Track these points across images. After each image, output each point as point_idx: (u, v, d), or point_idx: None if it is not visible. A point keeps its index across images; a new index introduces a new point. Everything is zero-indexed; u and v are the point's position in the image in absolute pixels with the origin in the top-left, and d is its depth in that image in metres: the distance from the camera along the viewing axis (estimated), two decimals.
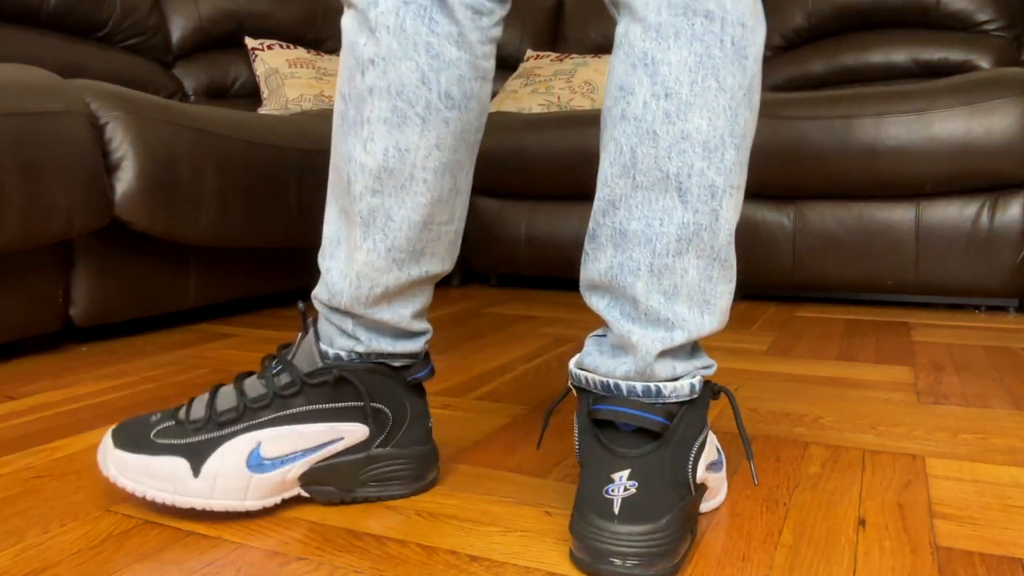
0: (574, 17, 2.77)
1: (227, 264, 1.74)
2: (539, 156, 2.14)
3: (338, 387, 0.71)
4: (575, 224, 2.15)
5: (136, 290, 1.53)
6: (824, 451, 0.87)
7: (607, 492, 0.59)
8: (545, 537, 0.66)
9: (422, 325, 0.74)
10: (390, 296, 0.70)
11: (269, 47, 2.55)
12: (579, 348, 1.43)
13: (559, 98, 2.47)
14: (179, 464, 0.67)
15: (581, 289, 0.67)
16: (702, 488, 0.65)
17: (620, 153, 0.62)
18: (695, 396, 0.63)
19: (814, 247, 1.91)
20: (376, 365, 0.72)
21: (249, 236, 1.68)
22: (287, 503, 0.72)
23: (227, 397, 0.71)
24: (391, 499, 0.74)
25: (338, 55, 2.73)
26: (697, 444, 0.63)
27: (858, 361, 1.32)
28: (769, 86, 2.49)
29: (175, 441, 0.68)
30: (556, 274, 2.21)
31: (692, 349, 0.65)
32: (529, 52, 2.75)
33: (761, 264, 1.96)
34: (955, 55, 2.26)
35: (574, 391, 0.67)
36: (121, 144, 1.40)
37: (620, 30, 0.63)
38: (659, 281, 0.61)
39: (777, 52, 2.53)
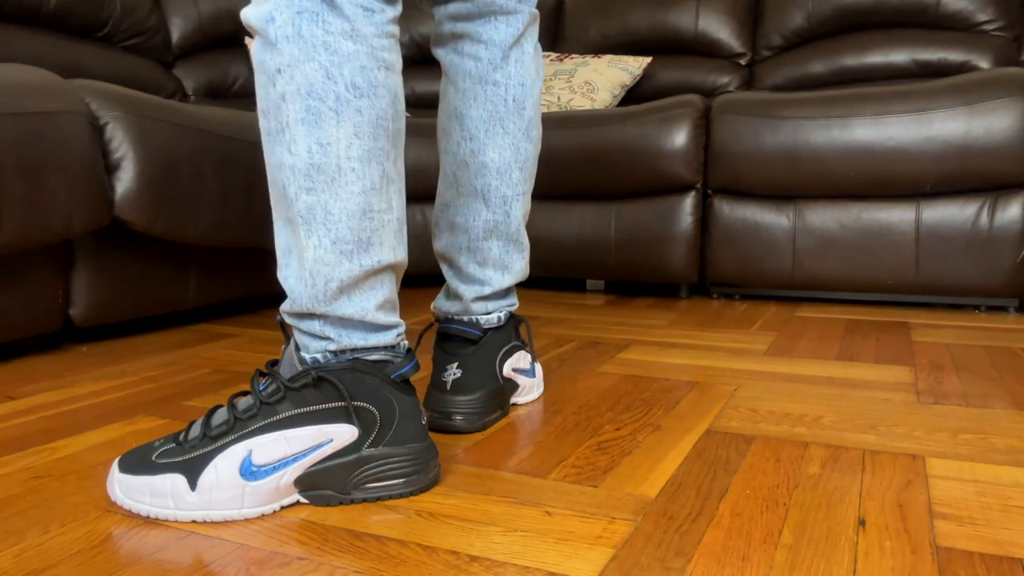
0: (574, 17, 2.77)
1: (227, 264, 1.74)
2: (539, 156, 2.14)
3: (320, 388, 0.72)
4: (575, 224, 2.15)
5: (136, 290, 1.53)
6: (824, 451, 0.87)
7: (444, 377, 0.95)
8: (545, 537, 0.66)
9: (391, 318, 0.76)
10: (347, 289, 0.72)
11: None
12: (578, 348, 1.43)
13: (559, 98, 2.47)
14: (177, 480, 0.69)
15: (435, 254, 1.02)
16: (511, 382, 1.01)
17: (446, 174, 0.97)
18: (501, 324, 0.99)
19: (814, 247, 1.91)
20: (354, 362, 0.73)
21: (249, 236, 1.68)
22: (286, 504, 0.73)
23: (221, 414, 0.73)
24: (391, 499, 0.74)
25: None
26: (503, 351, 0.99)
27: (858, 361, 1.32)
28: (769, 86, 2.49)
29: (173, 460, 0.70)
30: (556, 274, 2.21)
31: (504, 293, 1.00)
32: None
33: (761, 264, 1.96)
34: (955, 55, 2.26)
35: (435, 322, 1.03)
36: (121, 144, 1.40)
37: (442, 86, 0.97)
38: (474, 256, 0.97)
39: (777, 52, 2.53)
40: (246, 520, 0.69)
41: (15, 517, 0.70)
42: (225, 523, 0.69)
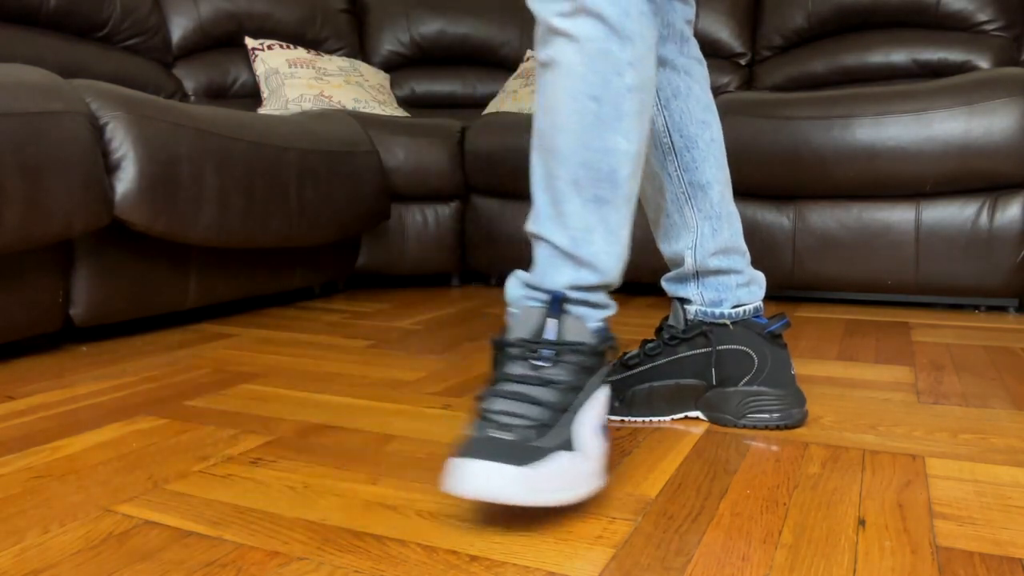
0: None
1: (227, 264, 1.74)
2: None
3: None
4: None
5: (136, 290, 1.53)
6: (824, 451, 0.87)
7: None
8: (545, 537, 0.66)
9: None
10: None
11: (269, 47, 2.55)
12: None
13: None
14: (566, 458, 0.68)
15: None
16: None
17: None
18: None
19: (814, 247, 1.91)
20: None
21: (249, 236, 1.68)
22: (287, 503, 0.73)
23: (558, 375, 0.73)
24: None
25: (338, 55, 2.73)
26: None
27: (858, 361, 1.32)
28: (769, 86, 2.49)
29: (546, 444, 0.67)
30: None
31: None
32: (529, 52, 2.75)
33: (761, 264, 1.96)
34: (955, 55, 2.26)
35: None
36: (121, 144, 1.40)
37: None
38: None
39: (777, 52, 2.53)
40: (246, 520, 0.69)
41: (15, 517, 0.70)
42: (225, 523, 0.69)
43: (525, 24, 2.83)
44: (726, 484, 0.77)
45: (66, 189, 1.30)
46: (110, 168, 1.41)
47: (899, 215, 1.84)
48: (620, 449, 0.87)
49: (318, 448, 0.88)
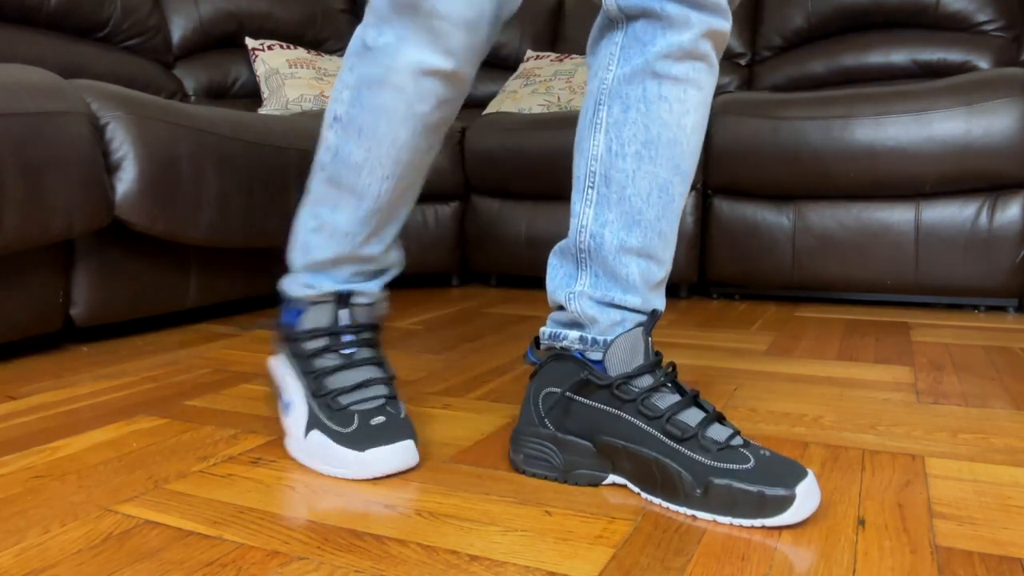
0: (574, 17, 2.77)
1: (227, 264, 1.74)
2: (539, 156, 2.14)
3: None
4: None
5: (136, 290, 1.53)
6: (824, 451, 0.87)
7: None
8: (545, 537, 0.66)
9: None
10: None
11: (269, 47, 2.55)
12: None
13: (559, 98, 2.47)
14: None
15: None
16: None
17: None
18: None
19: (813, 247, 1.91)
20: None
21: (249, 236, 1.68)
22: (287, 503, 0.73)
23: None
24: None
25: (338, 55, 2.73)
26: None
27: (858, 361, 1.32)
28: (769, 86, 2.49)
29: None
30: None
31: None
32: (529, 52, 2.75)
33: (761, 264, 1.97)
34: (954, 55, 2.26)
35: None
36: (122, 144, 1.41)
37: None
38: None
39: (777, 52, 2.53)
40: (246, 520, 0.69)
41: (16, 516, 0.70)
42: (226, 522, 0.69)
43: (525, 25, 2.83)
44: None
45: (66, 189, 1.30)
46: (110, 168, 1.41)
47: (899, 215, 1.84)
48: None
49: None
